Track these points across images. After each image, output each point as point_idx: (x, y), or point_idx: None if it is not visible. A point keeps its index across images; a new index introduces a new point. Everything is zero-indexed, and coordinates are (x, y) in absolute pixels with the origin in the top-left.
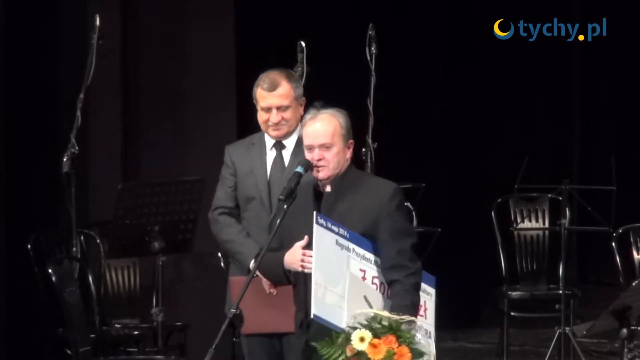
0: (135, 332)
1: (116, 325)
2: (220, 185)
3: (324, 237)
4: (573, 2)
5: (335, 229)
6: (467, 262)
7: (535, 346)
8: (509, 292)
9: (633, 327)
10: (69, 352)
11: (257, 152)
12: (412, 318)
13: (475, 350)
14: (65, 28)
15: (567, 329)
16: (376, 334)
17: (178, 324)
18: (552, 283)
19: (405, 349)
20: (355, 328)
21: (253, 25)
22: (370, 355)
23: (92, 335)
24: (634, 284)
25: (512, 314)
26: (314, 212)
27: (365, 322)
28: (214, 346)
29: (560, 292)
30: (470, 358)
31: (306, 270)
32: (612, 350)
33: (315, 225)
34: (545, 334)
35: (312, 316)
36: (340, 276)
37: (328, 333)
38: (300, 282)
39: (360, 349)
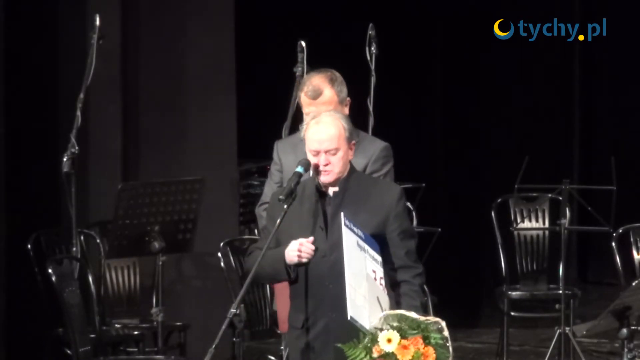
0: (135, 332)
1: (116, 325)
2: (268, 181)
3: (349, 238)
4: (573, 2)
5: (356, 230)
6: (467, 262)
7: (535, 346)
8: (509, 292)
9: (633, 327)
10: (69, 352)
11: (304, 148)
12: (437, 319)
13: (475, 350)
14: (65, 28)
15: (567, 329)
16: (404, 335)
17: (178, 324)
18: (552, 283)
19: (430, 350)
20: (381, 329)
21: (253, 25)
22: (399, 357)
23: (92, 335)
24: (634, 284)
25: (512, 314)
26: (342, 214)
27: (394, 324)
28: (214, 346)
29: (560, 292)
30: (470, 358)
31: (303, 260)
32: (612, 350)
33: (343, 227)
34: (545, 334)
35: (348, 318)
36: (362, 277)
37: (333, 335)
38: (301, 282)
39: (388, 350)
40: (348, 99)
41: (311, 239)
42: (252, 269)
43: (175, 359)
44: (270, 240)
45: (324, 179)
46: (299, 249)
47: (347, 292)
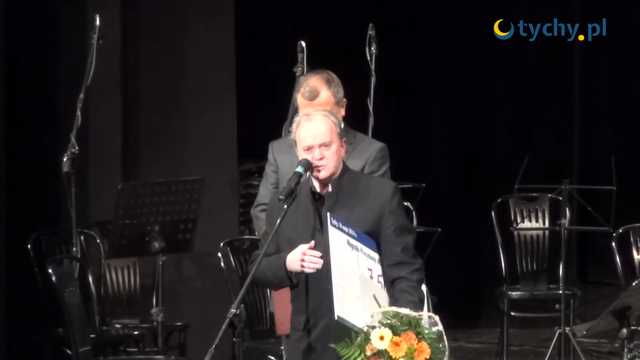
0: (135, 332)
1: (116, 325)
2: (263, 182)
3: (337, 238)
4: (573, 2)
5: (346, 229)
6: (467, 262)
7: (535, 346)
8: (509, 292)
9: (633, 327)
10: (69, 352)
11: None
12: (430, 314)
13: (475, 350)
14: (65, 28)
15: (567, 329)
16: (396, 332)
17: (178, 324)
18: (552, 283)
19: (424, 345)
20: (373, 327)
21: (253, 25)
22: (391, 353)
23: (92, 335)
24: (634, 284)
25: (512, 314)
26: (328, 214)
27: (385, 321)
28: (214, 346)
29: (560, 292)
30: (470, 358)
31: (306, 270)
32: (612, 350)
33: (330, 227)
34: (545, 334)
35: (335, 318)
36: (353, 276)
37: (334, 335)
38: (301, 284)
39: (380, 348)
40: (344, 100)
41: (312, 243)
42: (253, 275)
43: (175, 359)
44: (269, 243)
45: (320, 174)
46: (301, 259)
47: (333, 291)
